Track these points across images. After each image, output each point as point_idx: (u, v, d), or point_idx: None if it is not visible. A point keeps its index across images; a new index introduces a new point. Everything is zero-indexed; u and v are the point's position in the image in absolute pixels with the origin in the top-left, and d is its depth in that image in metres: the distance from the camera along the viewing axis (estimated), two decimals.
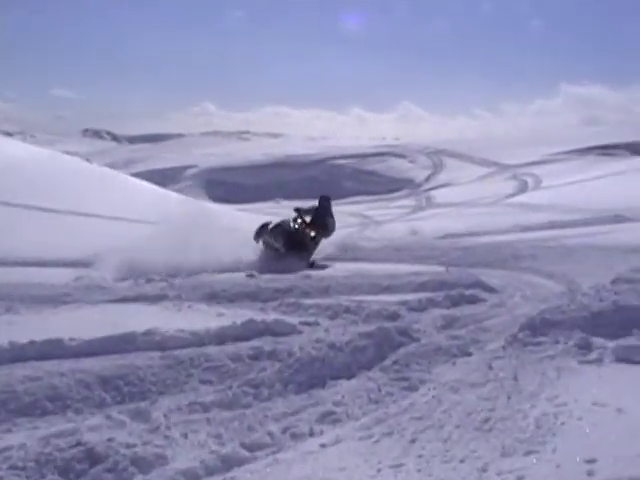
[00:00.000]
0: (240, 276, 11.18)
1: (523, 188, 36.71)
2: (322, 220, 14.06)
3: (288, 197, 45.70)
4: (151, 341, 6.46)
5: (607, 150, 48.73)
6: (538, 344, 5.70)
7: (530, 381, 4.63)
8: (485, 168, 51.40)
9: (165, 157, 74.48)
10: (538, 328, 6.02)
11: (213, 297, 9.24)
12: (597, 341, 5.32)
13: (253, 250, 13.54)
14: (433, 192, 43.96)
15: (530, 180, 39.44)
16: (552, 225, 17.06)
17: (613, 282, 8.18)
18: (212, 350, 6.27)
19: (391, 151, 65.46)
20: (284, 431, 4.35)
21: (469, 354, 6.00)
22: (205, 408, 4.97)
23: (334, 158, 63.90)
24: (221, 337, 6.74)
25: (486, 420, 3.99)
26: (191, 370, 5.84)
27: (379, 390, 5.01)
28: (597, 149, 49.50)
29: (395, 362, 5.80)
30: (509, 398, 4.33)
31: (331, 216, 14.33)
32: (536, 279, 10.26)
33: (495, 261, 12.14)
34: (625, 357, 4.89)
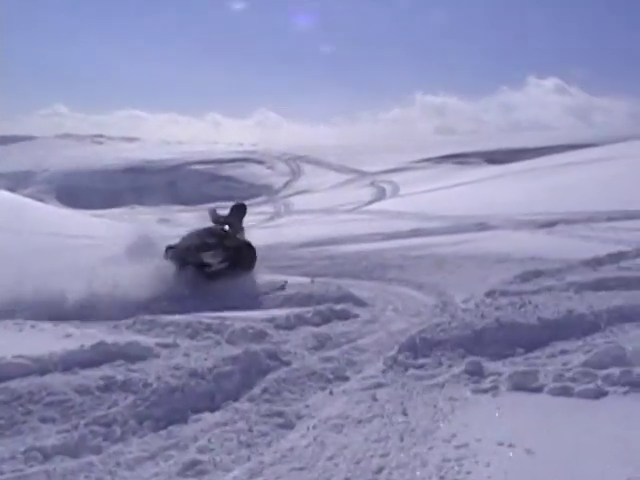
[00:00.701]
0: (89, 288, 9.98)
1: (381, 195, 37.12)
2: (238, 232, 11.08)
3: (144, 203, 44.36)
4: None
5: (463, 158, 50.37)
6: (421, 367, 5.32)
7: (422, 416, 4.11)
8: (344, 175, 51.90)
9: (14, 160, 70.75)
10: (419, 349, 5.64)
11: (60, 314, 8.29)
12: (488, 366, 4.91)
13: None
14: (292, 199, 43.92)
15: (388, 187, 39.98)
16: (415, 233, 16.91)
17: (487, 294, 7.94)
18: (56, 380, 5.39)
19: (249, 157, 65.27)
20: None
21: (346, 378, 5.47)
22: (45, 455, 4.12)
23: (191, 163, 63.09)
24: (67, 363, 5.86)
25: (379, 469, 3.40)
26: (30, 406, 4.94)
27: (250, 430, 4.32)
28: (453, 157, 51.06)
29: (265, 390, 5.18)
30: (402, 439, 3.76)
31: (242, 229, 11.37)
32: (406, 291, 9.89)
33: (362, 271, 11.76)
34: (521, 384, 4.47)
